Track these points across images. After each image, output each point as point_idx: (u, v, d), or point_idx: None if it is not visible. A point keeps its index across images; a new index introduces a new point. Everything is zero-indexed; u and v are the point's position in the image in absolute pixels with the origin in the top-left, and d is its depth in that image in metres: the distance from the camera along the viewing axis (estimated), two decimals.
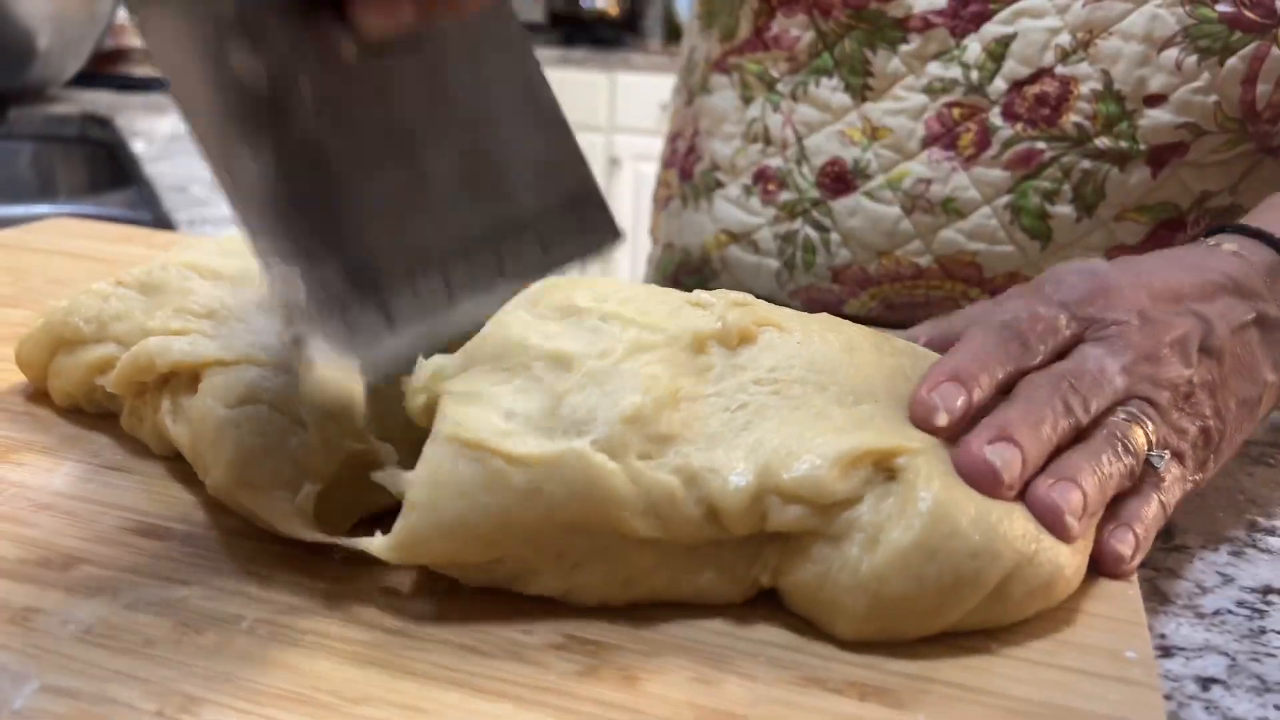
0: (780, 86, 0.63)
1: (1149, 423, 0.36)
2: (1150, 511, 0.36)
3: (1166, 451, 0.37)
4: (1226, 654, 0.35)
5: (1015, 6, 0.55)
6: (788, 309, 0.37)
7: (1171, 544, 0.42)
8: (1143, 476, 0.36)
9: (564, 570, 0.31)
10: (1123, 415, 0.36)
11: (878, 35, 0.58)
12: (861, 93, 0.59)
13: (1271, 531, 0.43)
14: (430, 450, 0.30)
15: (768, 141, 0.63)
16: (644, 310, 0.34)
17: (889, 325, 0.61)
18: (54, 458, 0.38)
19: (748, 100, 0.65)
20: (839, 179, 0.61)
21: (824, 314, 0.37)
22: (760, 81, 0.64)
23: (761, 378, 0.33)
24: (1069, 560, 0.32)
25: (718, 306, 0.34)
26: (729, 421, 0.32)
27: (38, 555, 0.32)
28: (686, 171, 0.71)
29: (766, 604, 0.31)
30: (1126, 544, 0.35)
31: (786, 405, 0.32)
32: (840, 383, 0.33)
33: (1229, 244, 0.43)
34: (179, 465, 0.38)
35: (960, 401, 0.33)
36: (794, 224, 0.63)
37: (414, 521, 0.30)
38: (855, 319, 0.38)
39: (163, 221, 0.90)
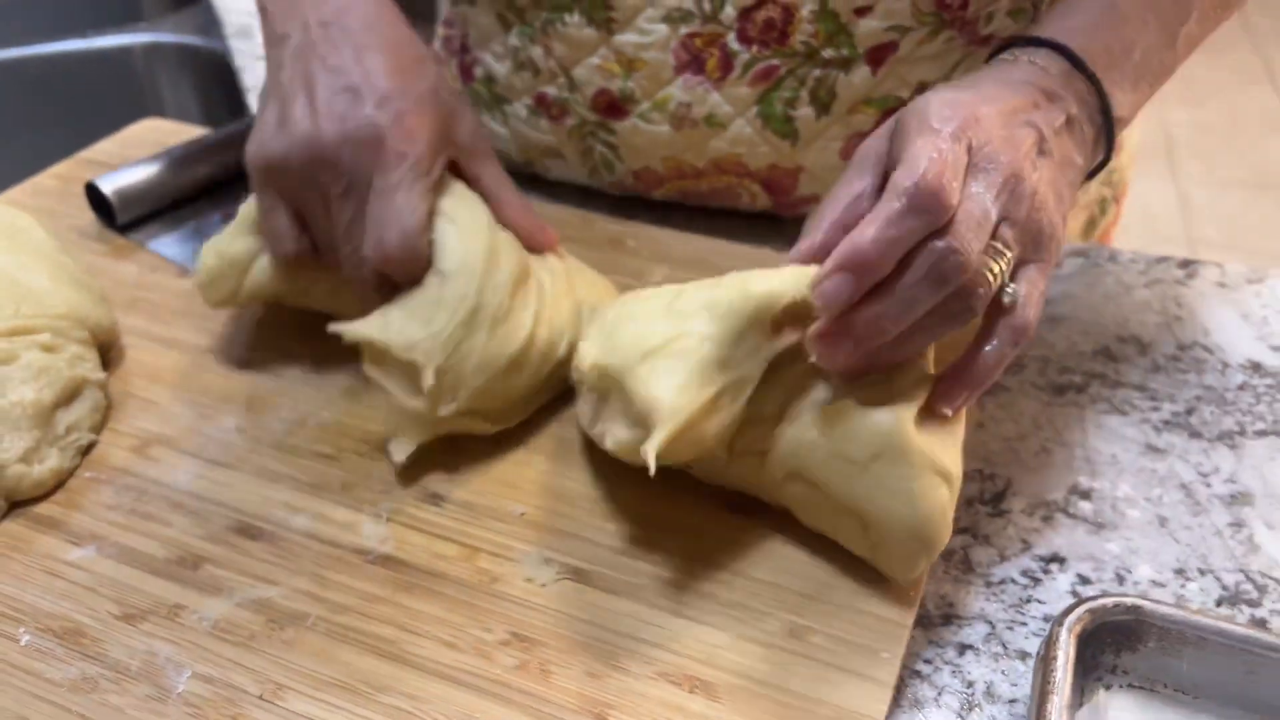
0: (530, 18, 0.69)
1: (1006, 253, 0.45)
2: (990, 365, 0.46)
3: (1017, 287, 0.46)
4: (990, 622, 0.49)
5: None
6: None
7: (998, 509, 0.55)
8: (994, 313, 0.46)
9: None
10: (989, 253, 0.44)
11: None
12: (607, 25, 0.66)
13: (1086, 495, 0.56)
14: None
15: (536, 71, 0.71)
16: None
17: (691, 209, 0.74)
18: (178, 452, 0.54)
19: (506, 26, 0.71)
20: (611, 106, 0.69)
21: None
22: (511, 10, 0.69)
23: None
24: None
25: None
26: None
27: (177, 555, 0.49)
28: (466, 73, 0.76)
29: (665, 602, 0.46)
30: (953, 398, 0.46)
31: None
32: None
33: (1025, 56, 0.51)
34: (266, 463, 0.53)
35: (845, 298, 0.42)
36: (586, 143, 0.72)
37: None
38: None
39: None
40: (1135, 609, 0.43)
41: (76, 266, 0.60)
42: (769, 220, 0.74)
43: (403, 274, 0.52)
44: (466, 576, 0.48)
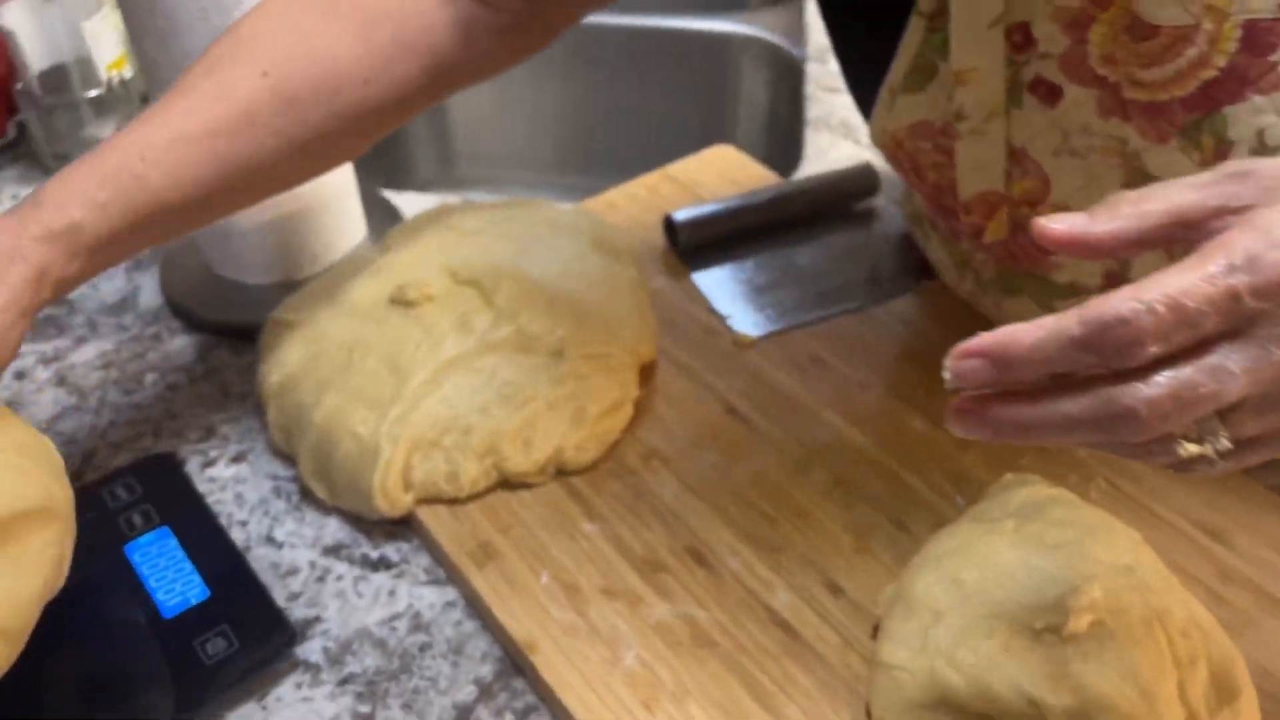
0: None
1: (1221, 440, 0.39)
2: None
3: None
4: None
5: None
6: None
7: None
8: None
9: None
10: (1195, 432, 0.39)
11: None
12: None
13: None
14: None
15: None
16: (998, 587, 0.58)
17: None
18: (669, 470, 0.73)
19: None
20: None
21: None
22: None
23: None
24: None
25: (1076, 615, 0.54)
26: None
27: (647, 556, 0.68)
28: None
29: None
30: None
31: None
32: None
33: None
34: (724, 504, 0.71)
35: (975, 384, 0.39)
36: None
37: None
38: None
39: None
40: None
41: (645, 296, 0.80)
42: None
43: None
44: (837, 665, 0.62)
